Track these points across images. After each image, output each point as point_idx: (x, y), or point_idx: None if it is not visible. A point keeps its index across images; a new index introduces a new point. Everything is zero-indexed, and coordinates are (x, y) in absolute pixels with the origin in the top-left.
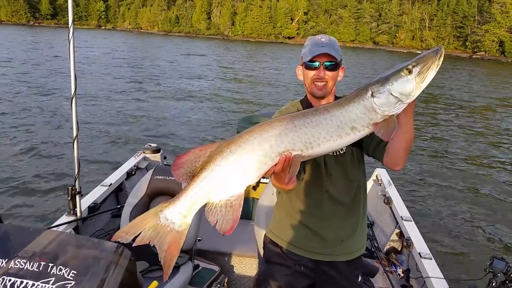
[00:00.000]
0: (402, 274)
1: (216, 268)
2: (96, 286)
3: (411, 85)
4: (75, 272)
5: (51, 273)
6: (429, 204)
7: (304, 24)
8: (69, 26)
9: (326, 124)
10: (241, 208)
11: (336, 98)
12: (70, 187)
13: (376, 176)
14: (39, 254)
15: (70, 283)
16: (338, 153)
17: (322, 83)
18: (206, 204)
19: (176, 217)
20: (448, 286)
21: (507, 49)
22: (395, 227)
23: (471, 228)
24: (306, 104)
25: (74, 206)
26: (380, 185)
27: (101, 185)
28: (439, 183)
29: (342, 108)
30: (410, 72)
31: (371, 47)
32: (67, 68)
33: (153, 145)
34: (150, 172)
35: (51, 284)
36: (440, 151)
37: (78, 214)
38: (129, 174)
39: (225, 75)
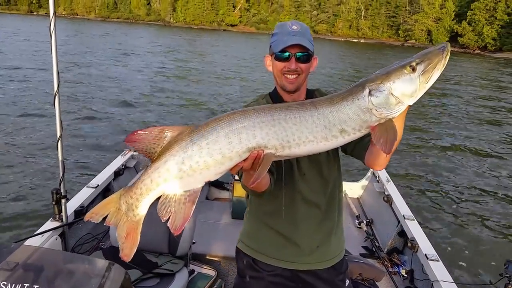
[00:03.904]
0: (405, 275)
1: (212, 272)
2: None
3: (414, 85)
4: None
5: None
6: (430, 201)
7: (246, 12)
8: (50, 18)
9: (312, 122)
10: (194, 206)
11: (308, 91)
12: (54, 191)
13: (373, 173)
14: (17, 276)
15: None
16: None
17: (294, 76)
18: (161, 195)
19: (130, 206)
20: None
21: (434, 37)
22: (397, 226)
23: (481, 228)
24: (275, 97)
25: (60, 211)
26: (378, 182)
27: (87, 187)
28: (440, 178)
29: (332, 106)
30: (414, 70)
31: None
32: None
33: None
34: (140, 174)
35: None
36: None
37: (64, 219)
38: (116, 174)
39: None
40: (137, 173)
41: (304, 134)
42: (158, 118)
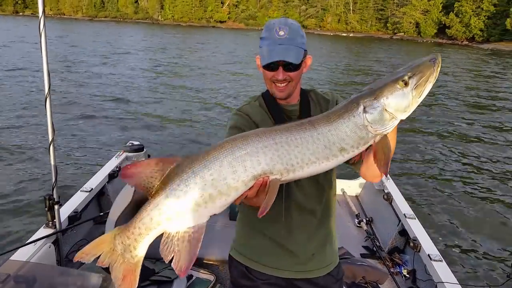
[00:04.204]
0: (407, 275)
1: (211, 277)
2: None
3: (407, 100)
4: None
5: None
6: (432, 199)
7: (235, 8)
8: (40, 17)
9: (313, 143)
10: (200, 243)
11: (302, 92)
12: (47, 197)
13: None
14: None
15: None
16: None
17: (283, 84)
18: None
19: (127, 248)
20: None
21: (422, 30)
22: (397, 225)
23: (486, 227)
24: (268, 99)
25: (53, 217)
26: None
27: (81, 191)
28: (440, 173)
29: (330, 124)
30: (406, 84)
31: None
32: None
33: (136, 143)
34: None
35: None
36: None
37: (57, 226)
38: (111, 176)
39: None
40: None
41: (307, 156)
42: (153, 116)
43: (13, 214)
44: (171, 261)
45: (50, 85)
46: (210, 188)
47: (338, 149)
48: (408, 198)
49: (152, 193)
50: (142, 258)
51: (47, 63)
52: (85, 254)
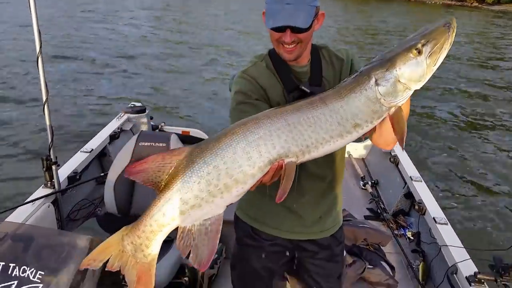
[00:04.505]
0: (412, 238)
1: None
2: None
3: (421, 69)
4: (42, 272)
5: (13, 275)
6: (440, 162)
7: None
8: None
9: (325, 121)
10: (219, 235)
11: (314, 49)
12: (44, 157)
13: None
14: None
15: (37, 287)
16: None
17: (291, 46)
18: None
19: (139, 247)
20: (468, 257)
21: None
22: (403, 188)
23: (494, 194)
24: (276, 60)
25: (51, 177)
26: None
27: (81, 152)
28: (449, 139)
29: (342, 99)
30: (419, 52)
31: None
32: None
33: (138, 104)
34: (134, 138)
35: None
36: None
37: (56, 186)
38: (112, 138)
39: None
40: (134, 135)
41: (320, 135)
42: (157, 76)
43: (12, 176)
44: None
45: (41, 43)
46: (225, 177)
47: (352, 125)
48: (416, 161)
49: (161, 187)
50: (157, 256)
51: (37, 20)
52: (92, 260)
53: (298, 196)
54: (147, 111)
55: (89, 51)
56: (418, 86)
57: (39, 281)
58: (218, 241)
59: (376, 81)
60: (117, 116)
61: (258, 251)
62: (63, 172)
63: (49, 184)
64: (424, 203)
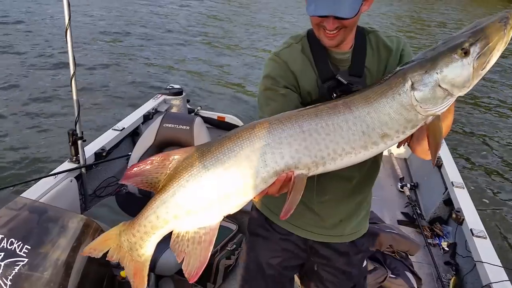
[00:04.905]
0: (447, 249)
1: (233, 226)
2: (55, 267)
3: (467, 73)
4: (28, 247)
5: (0, 246)
6: (486, 169)
7: None
8: None
9: (348, 129)
10: (211, 247)
11: (359, 33)
12: (70, 132)
13: None
14: None
15: (22, 261)
16: None
17: (334, 32)
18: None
19: (133, 246)
20: (506, 277)
21: None
22: (443, 193)
23: None
24: (313, 41)
25: (76, 152)
26: None
27: (112, 129)
28: (500, 142)
29: (369, 105)
30: (466, 53)
31: None
32: None
33: (176, 86)
34: (159, 118)
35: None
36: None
37: (81, 161)
38: (146, 118)
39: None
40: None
41: (340, 145)
42: (196, 61)
43: (36, 148)
44: None
45: (70, 15)
46: (224, 185)
47: (379, 135)
48: (460, 165)
49: (158, 189)
50: (150, 257)
51: None
52: (92, 250)
53: (319, 196)
54: (184, 93)
55: (136, 27)
56: (462, 92)
57: (25, 255)
58: (210, 253)
59: (412, 84)
60: (154, 97)
61: (269, 244)
62: (91, 148)
63: (74, 159)
64: (463, 212)
